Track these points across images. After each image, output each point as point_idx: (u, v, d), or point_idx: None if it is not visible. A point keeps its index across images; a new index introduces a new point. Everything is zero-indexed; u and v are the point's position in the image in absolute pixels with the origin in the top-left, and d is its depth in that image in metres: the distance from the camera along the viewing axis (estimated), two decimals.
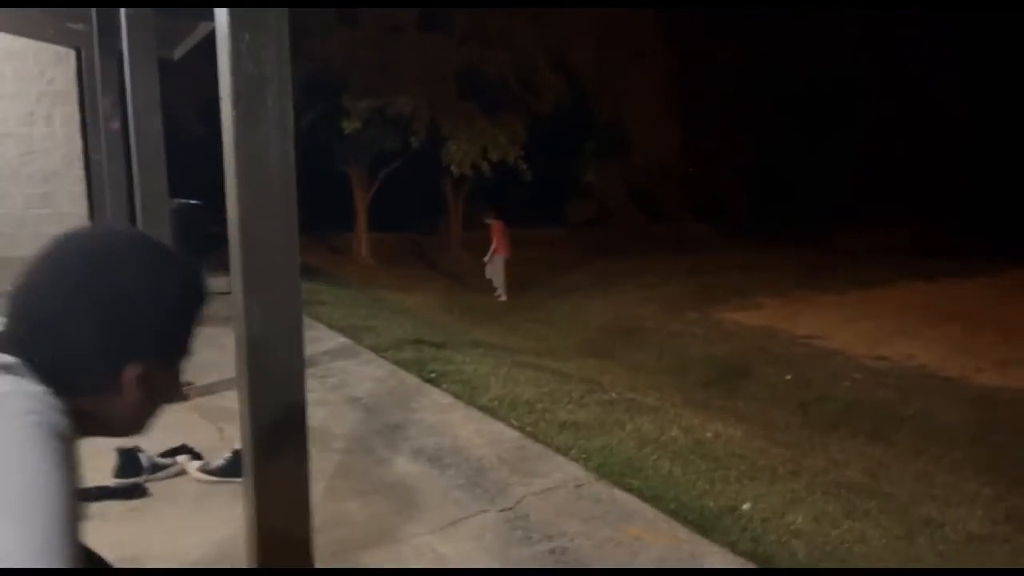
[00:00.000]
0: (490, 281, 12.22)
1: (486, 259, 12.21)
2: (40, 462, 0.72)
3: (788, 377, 6.89)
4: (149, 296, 0.89)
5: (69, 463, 0.75)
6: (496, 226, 11.98)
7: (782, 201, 19.87)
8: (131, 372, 0.88)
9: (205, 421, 3.73)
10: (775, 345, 8.26)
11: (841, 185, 19.31)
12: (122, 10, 3.97)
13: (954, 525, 3.26)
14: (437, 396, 4.35)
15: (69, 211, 7.65)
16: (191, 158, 8.36)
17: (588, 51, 12.94)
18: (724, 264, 14.03)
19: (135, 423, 0.95)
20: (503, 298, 11.89)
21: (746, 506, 2.96)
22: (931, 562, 2.73)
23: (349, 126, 10.94)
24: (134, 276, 0.88)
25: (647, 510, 2.83)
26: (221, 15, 1.77)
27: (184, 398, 0.83)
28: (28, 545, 0.67)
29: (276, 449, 1.96)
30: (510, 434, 3.67)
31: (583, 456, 3.38)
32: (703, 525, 2.75)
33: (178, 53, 7.49)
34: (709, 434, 4.16)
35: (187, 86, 10.48)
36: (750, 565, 2.45)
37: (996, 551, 3.02)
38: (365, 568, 2.30)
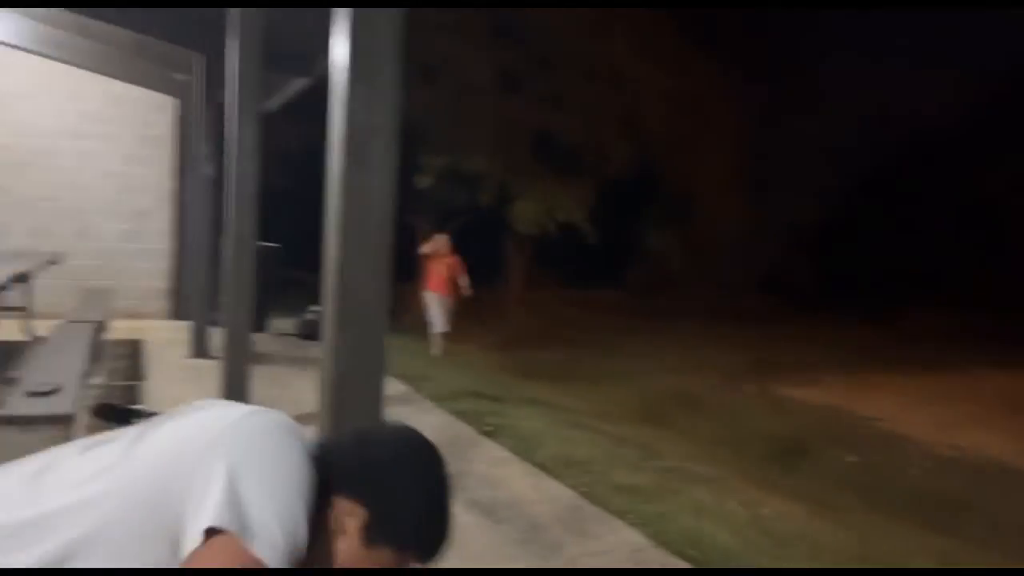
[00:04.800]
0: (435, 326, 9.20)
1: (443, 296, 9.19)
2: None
3: (851, 459, 6.64)
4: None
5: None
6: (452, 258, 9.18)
7: (850, 275, 19.43)
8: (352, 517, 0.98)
9: None
10: (838, 425, 7.99)
11: (920, 261, 18.76)
12: (228, 64, 4.28)
13: None
14: (493, 449, 4.38)
15: (156, 247, 8.08)
16: (266, 206, 8.77)
17: (660, 116, 13.14)
18: (786, 337, 13.73)
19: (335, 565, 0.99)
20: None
21: None
22: None
23: (423, 181, 11.31)
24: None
25: None
26: (340, 67, 1.92)
27: None
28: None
29: None
30: (565, 493, 3.65)
31: (640, 522, 3.34)
32: None
33: (272, 105, 7.97)
34: (767, 511, 4.04)
35: (268, 140, 11.07)
36: None
37: None
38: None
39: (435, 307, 9.14)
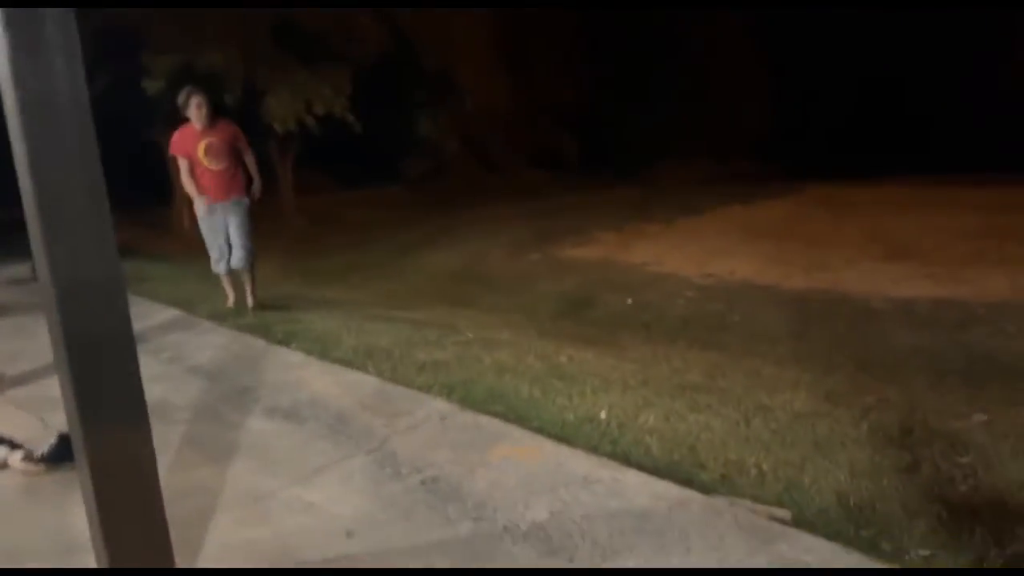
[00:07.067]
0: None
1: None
2: None
3: (629, 301, 7.27)
4: None
5: None
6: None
7: (609, 143, 20.74)
8: None
9: (22, 411, 3.35)
10: (614, 274, 8.67)
11: (661, 124, 20.48)
12: None
13: (782, 408, 3.60)
14: (287, 356, 4.18)
15: None
16: None
17: None
18: (560, 207, 14.47)
19: None
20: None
21: (603, 414, 3.11)
22: (766, 439, 3.00)
23: (152, 86, 9.99)
24: None
25: (513, 431, 2.90)
26: None
27: None
28: None
29: (110, 415, 1.78)
30: (369, 381, 3.60)
31: (445, 391, 3.39)
32: (565, 436, 2.86)
33: None
34: (563, 358, 4.30)
35: None
36: (611, 463, 2.58)
37: (819, 424, 3.36)
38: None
39: (213, 224, 5.29)
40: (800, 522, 2.23)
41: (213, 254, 5.39)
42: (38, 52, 1.61)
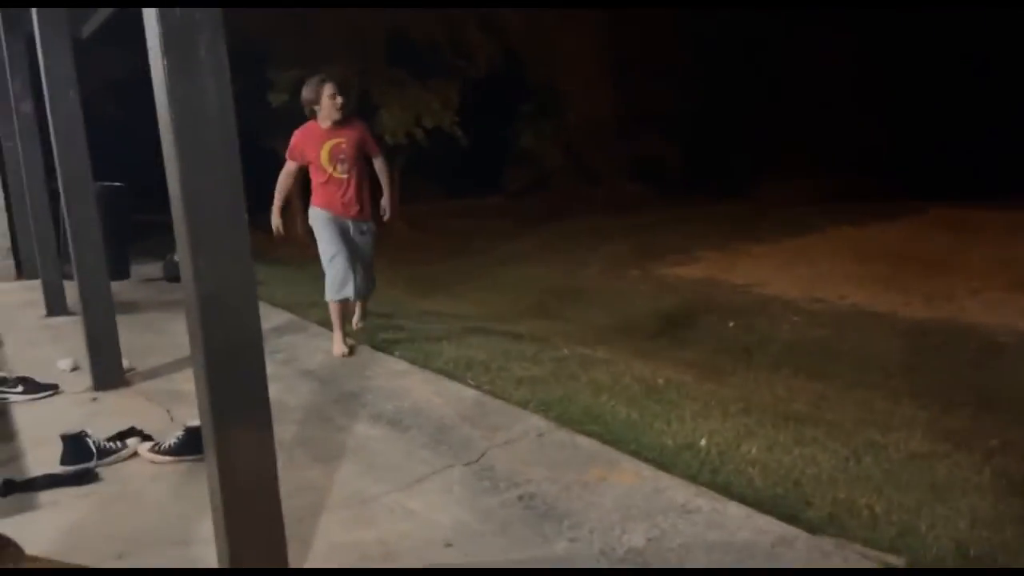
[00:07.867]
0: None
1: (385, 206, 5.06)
2: None
3: (731, 324, 7.07)
4: None
5: None
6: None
7: (714, 157, 20.24)
8: None
9: (151, 404, 3.62)
10: (716, 295, 8.46)
11: (769, 138, 19.80)
12: None
13: (896, 446, 3.42)
14: (391, 363, 4.32)
15: None
16: (106, 141, 8.00)
17: (518, 9, 12.78)
18: (662, 222, 14.25)
19: None
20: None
21: (703, 441, 3.05)
22: (878, 479, 2.85)
23: (276, 98, 10.60)
24: None
25: (609, 452, 2.89)
26: None
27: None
28: None
29: (240, 414, 1.92)
30: (468, 393, 3.67)
31: (542, 408, 3.42)
32: (663, 462, 2.82)
33: (87, 31, 7.10)
34: (661, 380, 4.24)
35: (96, 68, 10.03)
36: (711, 493, 2.53)
37: (938, 466, 3.17)
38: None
39: (333, 232, 4.55)
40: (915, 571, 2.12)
41: (337, 271, 4.44)
42: (193, 75, 1.76)
